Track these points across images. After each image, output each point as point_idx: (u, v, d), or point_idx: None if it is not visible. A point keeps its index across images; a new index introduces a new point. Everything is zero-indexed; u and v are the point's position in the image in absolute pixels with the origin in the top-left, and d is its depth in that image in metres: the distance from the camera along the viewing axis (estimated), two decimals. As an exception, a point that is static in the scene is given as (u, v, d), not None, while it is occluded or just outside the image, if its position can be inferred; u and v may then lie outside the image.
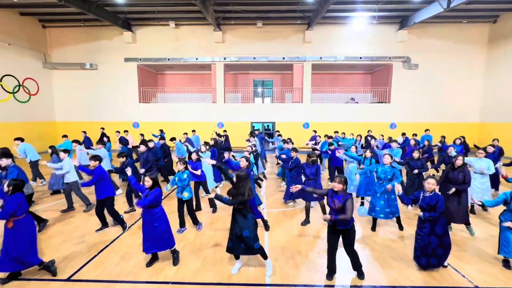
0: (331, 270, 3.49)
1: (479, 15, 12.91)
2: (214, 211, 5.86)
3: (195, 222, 5.04)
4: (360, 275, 3.50)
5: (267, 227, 4.99)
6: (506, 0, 11.30)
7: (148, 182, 3.70)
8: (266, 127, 15.80)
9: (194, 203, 5.47)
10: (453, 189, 4.53)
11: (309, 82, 14.40)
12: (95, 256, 4.06)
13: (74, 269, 3.70)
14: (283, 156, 6.53)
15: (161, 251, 3.81)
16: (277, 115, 14.70)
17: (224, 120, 14.63)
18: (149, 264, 3.79)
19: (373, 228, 4.93)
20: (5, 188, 3.46)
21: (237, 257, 3.71)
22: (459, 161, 4.66)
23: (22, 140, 7.46)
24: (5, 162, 4.83)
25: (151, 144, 6.94)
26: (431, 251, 3.54)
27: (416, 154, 5.89)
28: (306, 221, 5.23)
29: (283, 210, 6.02)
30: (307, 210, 5.25)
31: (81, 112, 14.84)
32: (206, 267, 3.78)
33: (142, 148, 6.53)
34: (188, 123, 14.31)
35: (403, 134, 9.95)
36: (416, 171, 5.74)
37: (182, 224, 4.94)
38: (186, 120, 14.53)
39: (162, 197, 3.96)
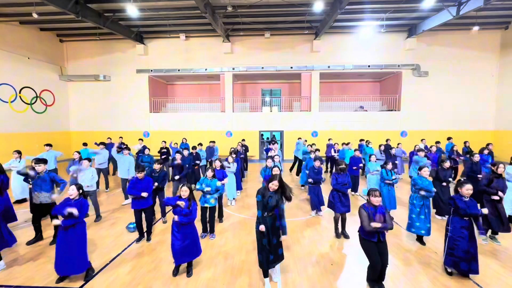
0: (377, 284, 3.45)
1: (490, 21, 12.76)
2: (221, 220, 5.86)
3: (212, 230, 5.06)
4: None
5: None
6: (518, 6, 11.16)
7: (186, 191, 3.73)
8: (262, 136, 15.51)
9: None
10: (497, 197, 4.61)
11: (317, 90, 14.41)
12: (106, 265, 4.09)
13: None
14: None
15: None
16: (285, 124, 14.69)
17: (232, 129, 14.72)
18: (175, 273, 3.78)
19: (423, 242, 4.66)
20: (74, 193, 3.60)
21: (266, 275, 3.50)
22: (500, 169, 4.75)
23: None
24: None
25: (185, 152, 7.66)
26: (471, 256, 3.52)
27: (447, 164, 5.76)
28: (336, 233, 5.11)
29: (293, 220, 5.94)
30: (336, 222, 5.10)
31: (95, 122, 15.26)
32: (217, 277, 3.74)
33: (179, 156, 6.88)
34: (197, 132, 14.49)
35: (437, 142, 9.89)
36: (444, 184, 5.64)
37: (204, 229, 5.05)
38: (195, 129, 14.71)
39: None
